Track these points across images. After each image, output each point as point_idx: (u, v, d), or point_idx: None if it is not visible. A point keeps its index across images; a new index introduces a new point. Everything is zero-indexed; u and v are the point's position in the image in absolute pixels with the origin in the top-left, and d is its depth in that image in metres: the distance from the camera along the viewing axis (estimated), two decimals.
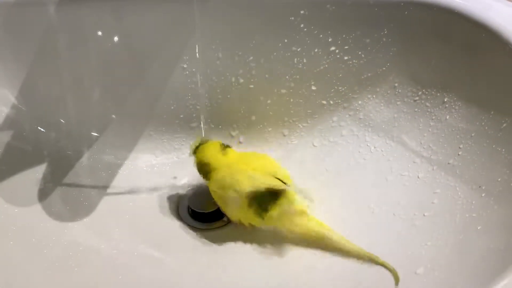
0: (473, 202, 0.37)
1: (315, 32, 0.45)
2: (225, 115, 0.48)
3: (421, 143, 0.44)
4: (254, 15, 0.45)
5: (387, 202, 0.42)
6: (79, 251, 0.41)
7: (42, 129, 0.47)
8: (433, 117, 0.44)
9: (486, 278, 0.29)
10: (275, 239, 0.41)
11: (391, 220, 0.41)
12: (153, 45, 0.46)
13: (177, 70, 0.47)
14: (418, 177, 0.42)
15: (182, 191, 0.47)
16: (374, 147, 0.46)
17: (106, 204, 0.45)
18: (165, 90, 0.48)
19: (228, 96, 0.48)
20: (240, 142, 0.49)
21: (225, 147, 0.43)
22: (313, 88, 0.48)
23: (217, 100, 0.48)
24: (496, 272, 0.28)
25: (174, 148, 0.49)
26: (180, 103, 0.48)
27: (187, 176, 0.48)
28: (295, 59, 0.47)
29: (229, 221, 0.44)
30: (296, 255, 0.40)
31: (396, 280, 0.35)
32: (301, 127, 0.49)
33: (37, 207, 0.43)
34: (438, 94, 0.44)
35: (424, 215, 0.39)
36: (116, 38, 0.46)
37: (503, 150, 0.37)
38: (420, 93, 0.45)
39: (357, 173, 0.46)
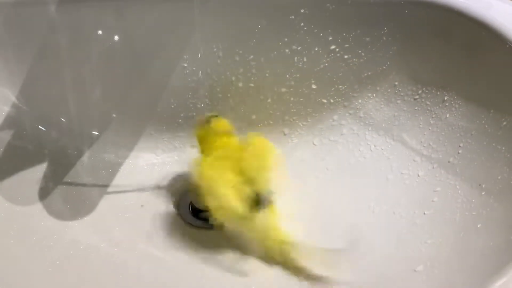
0: (473, 200, 0.37)
1: (315, 31, 0.45)
2: (226, 114, 0.48)
3: (421, 141, 0.44)
4: (254, 14, 0.45)
5: (387, 201, 0.42)
6: (80, 249, 0.41)
7: (43, 128, 0.47)
8: (433, 116, 0.44)
9: (486, 276, 0.29)
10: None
11: (391, 218, 0.41)
12: (154, 44, 0.46)
13: (178, 69, 0.47)
14: (418, 175, 0.42)
15: (183, 190, 0.47)
16: (374, 146, 0.46)
17: (106, 202, 0.45)
18: (165, 89, 0.48)
19: (229, 95, 0.48)
20: None
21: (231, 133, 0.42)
22: (313, 86, 0.48)
23: (217, 99, 0.48)
24: (495, 269, 0.29)
25: (174, 147, 0.49)
26: (180, 102, 0.48)
27: (187, 175, 0.48)
28: (295, 58, 0.47)
29: None
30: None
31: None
32: (301, 126, 0.49)
33: (38, 206, 0.43)
34: (438, 93, 0.44)
35: (424, 213, 0.39)
36: (116, 37, 0.46)
37: (503, 148, 0.37)
38: (420, 91, 0.45)
39: (358, 171, 0.46)
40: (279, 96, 0.48)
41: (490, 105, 0.40)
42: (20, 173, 0.44)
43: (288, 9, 0.45)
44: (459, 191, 0.38)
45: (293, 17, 0.45)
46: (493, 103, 0.40)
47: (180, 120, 0.49)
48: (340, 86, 0.48)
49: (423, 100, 0.45)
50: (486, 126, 0.39)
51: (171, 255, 0.41)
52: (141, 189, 0.47)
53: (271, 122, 0.49)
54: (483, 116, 0.40)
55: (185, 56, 0.47)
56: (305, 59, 0.47)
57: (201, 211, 0.44)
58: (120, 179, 0.47)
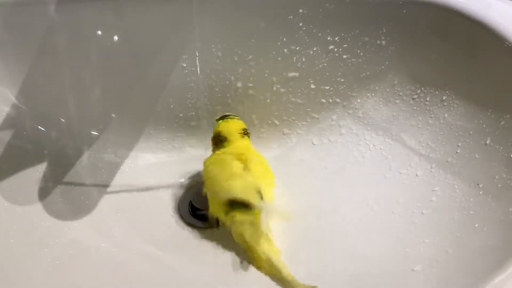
0: (471, 199, 0.37)
1: (314, 31, 0.45)
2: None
3: (419, 141, 0.44)
4: (253, 14, 0.45)
5: (386, 200, 0.42)
6: (79, 249, 0.41)
7: (42, 128, 0.47)
8: (432, 115, 0.44)
9: (483, 275, 0.29)
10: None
11: (389, 217, 0.41)
12: (153, 44, 0.47)
13: (177, 69, 0.47)
14: (416, 175, 0.42)
15: (182, 190, 0.47)
16: (373, 146, 0.46)
17: (106, 202, 0.45)
18: (165, 89, 0.48)
19: (228, 95, 0.48)
20: None
21: (245, 133, 0.44)
22: (312, 86, 0.48)
23: (216, 99, 0.48)
24: (492, 268, 0.29)
25: (174, 146, 0.50)
26: (179, 102, 0.48)
27: (187, 175, 0.48)
28: (294, 58, 0.47)
29: None
30: (297, 256, 0.40)
31: None
32: (300, 125, 0.49)
33: (38, 206, 0.43)
34: (437, 93, 0.44)
35: (422, 212, 0.39)
36: (116, 37, 0.46)
37: (501, 148, 0.37)
38: (419, 91, 0.45)
39: (356, 171, 0.46)
40: (278, 96, 0.48)
41: (488, 104, 0.40)
42: (20, 173, 0.44)
43: (287, 9, 0.45)
44: (457, 191, 0.38)
45: (291, 17, 0.45)
46: (491, 102, 0.40)
47: (179, 120, 0.49)
48: (339, 86, 0.48)
49: (421, 100, 0.45)
50: (484, 125, 0.39)
51: (171, 254, 0.41)
52: (140, 189, 0.47)
53: (270, 122, 0.49)
54: (481, 115, 0.40)
55: (184, 56, 0.47)
56: (304, 59, 0.47)
57: (200, 210, 0.44)
58: (120, 179, 0.47)
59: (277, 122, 0.49)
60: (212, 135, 0.44)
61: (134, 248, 0.42)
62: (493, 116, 0.39)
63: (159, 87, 0.48)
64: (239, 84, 0.48)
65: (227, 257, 0.41)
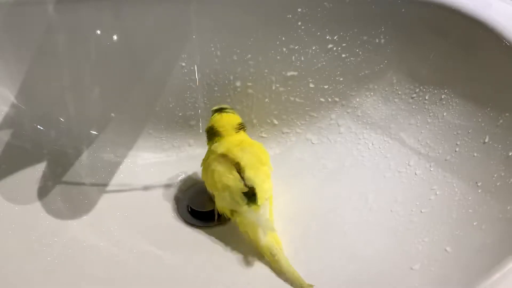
0: (470, 198, 0.37)
1: (313, 30, 0.45)
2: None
3: (418, 140, 0.44)
4: (252, 13, 0.45)
5: (385, 199, 0.42)
6: (79, 248, 0.41)
7: (41, 128, 0.47)
8: (431, 114, 0.44)
9: (481, 273, 0.29)
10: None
11: (388, 216, 0.41)
12: (152, 43, 0.47)
13: (176, 68, 0.47)
14: (415, 173, 0.42)
15: (181, 189, 0.47)
16: (372, 144, 0.46)
17: (105, 201, 0.45)
18: (164, 89, 0.48)
19: (227, 94, 0.48)
20: None
21: (241, 127, 0.44)
22: (311, 85, 0.48)
23: (215, 98, 0.48)
24: (490, 266, 0.29)
25: (173, 146, 0.50)
26: (178, 101, 0.49)
27: (186, 174, 0.48)
28: (293, 57, 0.47)
29: (227, 219, 0.44)
30: (295, 254, 0.40)
31: None
32: (299, 124, 0.49)
33: (37, 205, 0.43)
34: (436, 91, 0.44)
35: (421, 211, 0.39)
36: (115, 37, 0.46)
37: (500, 146, 0.37)
38: (417, 90, 0.45)
39: (355, 170, 0.46)
40: (277, 95, 0.48)
41: (486, 103, 0.40)
42: (19, 172, 0.44)
43: (285, 8, 0.45)
44: (456, 189, 0.38)
45: (290, 16, 0.45)
46: (489, 101, 0.40)
47: (178, 119, 0.49)
48: (338, 85, 0.48)
49: (420, 98, 0.45)
50: (483, 124, 0.39)
51: (170, 253, 0.41)
52: (139, 188, 0.47)
53: (269, 121, 0.49)
54: (479, 114, 0.40)
55: (183, 56, 0.47)
56: (302, 58, 0.47)
57: (199, 210, 0.44)
58: (119, 178, 0.47)
59: (276, 121, 0.49)
60: (206, 128, 0.44)
61: (133, 247, 0.42)
62: (491, 114, 0.39)
63: (158, 87, 0.48)
64: (238, 83, 0.48)
65: (226, 256, 0.41)
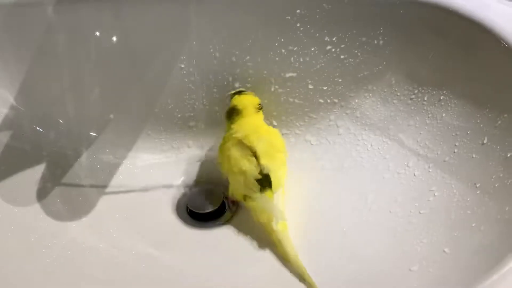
0: (468, 199, 0.37)
1: (312, 31, 0.45)
2: (223, 114, 0.48)
3: (417, 141, 0.44)
4: (250, 14, 0.45)
5: (384, 200, 0.42)
6: (78, 250, 0.41)
7: (41, 129, 0.47)
8: (429, 115, 0.44)
9: (480, 274, 0.29)
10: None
11: (387, 217, 0.41)
12: (151, 45, 0.47)
13: (175, 69, 0.47)
14: (414, 174, 0.42)
15: (180, 191, 0.47)
16: (371, 145, 0.46)
17: (105, 203, 0.45)
18: (163, 90, 0.48)
19: (226, 95, 0.48)
20: None
21: (260, 107, 0.46)
22: (310, 87, 0.48)
23: (214, 99, 0.48)
24: (488, 267, 0.29)
25: (172, 147, 0.50)
26: (178, 103, 0.49)
27: (185, 176, 0.48)
28: (292, 58, 0.47)
29: (226, 221, 0.44)
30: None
31: None
32: (298, 125, 0.49)
33: (36, 207, 0.43)
34: (434, 92, 0.44)
35: (420, 212, 0.39)
36: (114, 38, 0.46)
37: (498, 147, 0.37)
38: (416, 91, 0.45)
39: (354, 171, 0.46)
40: (276, 97, 0.48)
41: (485, 104, 0.40)
42: (18, 174, 0.44)
43: (284, 10, 0.45)
44: (455, 190, 0.38)
45: (289, 17, 0.45)
46: (488, 102, 0.40)
47: (177, 121, 0.49)
48: (336, 86, 0.48)
49: (419, 100, 0.45)
50: (482, 125, 0.40)
51: (169, 255, 0.41)
52: (138, 189, 0.47)
53: (268, 122, 0.49)
54: (478, 115, 0.40)
55: (182, 57, 0.47)
56: (301, 60, 0.47)
57: (198, 211, 0.45)
58: (118, 180, 0.47)
59: (275, 123, 0.49)
60: (226, 109, 0.45)
61: (133, 248, 0.42)
62: (490, 115, 0.39)
63: (157, 88, 0.48)
64: (237, 85, 0.48)
65: (226, 257, 0.41)
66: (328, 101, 0.48)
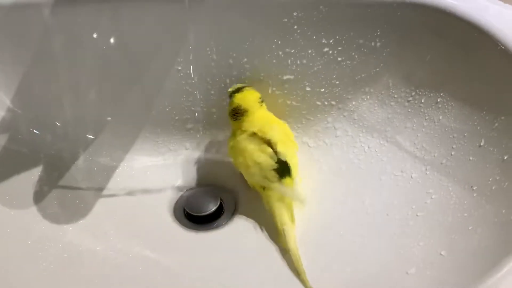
0: (465, 202, 0.37)
1: (309, 33, 0.45)
2: (220, 117, 0.48)
3: (414, 143, 0.44)
4: (247, 17, 0.45)
5: (381, 202, 0.42)
6: (75, 252, 0.41)
7: (37, 132, 0.47)
8: (427, 117, 0.44)
9: (476, 276, 0.29)
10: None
11: (384, 220, 0.41)
12: (148, 47, 0.47)
13: (172, 72, 0.47)
14: (411, 177, 0.42)
15: (177, 193, 0.47)
16: (368, 148, 0.46)
17: (102, 206, 0.45)
18: (160, 92, 0.48)
19: (223, 97, 0.48)
20: None
21: (262, 100, 0.45)
22: (308, 89, 0.48)
23: (212, 101, 0.48)
24: (485, 270, 0.29)
25: (169, 149, 0.50)
26: (175, 105, 0.49)
27: (182, 178, 0.48)
28: (289, 61, 0.47)
29: (223, 223, 0.44)
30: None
31: None
32: (296, 128, 0.49)
33: (33, 209, 0.43)
34: (432, 95, 0.44)
35: (417, 215, 0.39)
36: (111, 41, 0.46)
37: (495, 150, 0.37)
38: (413, 93, 0.45)
39: (351, 173, 0.46)
40: (274, 99, 0.48)
41: (482, 106, 0.40)
42: (15, 176, 0.44)
43: (281, 12, 0.45)
44: (452, 193, 0.38)
45: (286, 20, 0.45)
46: (485, 104, 0.40)
47: (175, 123, 0.49)
48: (334, 89, 0.48)
49: (416, 102, 0.45)
50: (479, 127, 0.40)
51: (167, 258, 0.41)
52: (136, 192, 0.47)
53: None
54: (475, 117, 0.40)
55: (179, 59, 0.47)
56: (298, 62, 0.47)
57: (196, 214, 0.44)
58: (116, 182, 0.47)
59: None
60: (229, 110, 0.45)
61: (130, 251, 0.42)
62: (487, 118, 0.39)
63: (155, 90, 0.48)
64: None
65: (223, 260, 0.41)
66: (326, 103, 0.48)
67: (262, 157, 0.42)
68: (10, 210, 0.42)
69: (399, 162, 0.44)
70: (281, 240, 0.41)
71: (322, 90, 0.48)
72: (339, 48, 0.46)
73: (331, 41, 0.46)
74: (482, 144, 0.39)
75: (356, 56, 0.46)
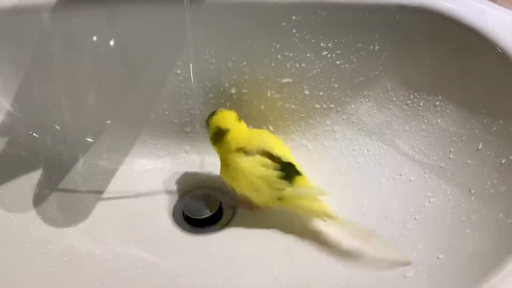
0: (463, 205, 0.37)
1: (307, 37, 0.46)
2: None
3: (413, 146, 0.44)
4: (246, 21, 0.45)
5: (379, 205, 0.42)
6: (74, 256, 0.41)
7: (37, 135, 0.47)
8: (425, 121, 0.44)
9: (473, 280, 0.29)
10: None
11: (383, 223, 0.41)
12: (147, 51, 0.47)
13: (171, 75, 0.47)
14: (410, 180, 0.42)
15: (176, 196, 0.47)
16: (367, 151, 0.46)
17: (101, 209, 0.45)
18: (159, 96, 0.48)
19: (222, 101, 0.48)
20: None
21: (239, 119, 0.44)
22: (306, 92, 0.48)
23: (210, 105, 0.49)
24: (482, 274, 0.29)
25: (168, 152, 0.50)
26: (174, 108, 0.49)
27: (182, 181, 0.48)
28: (288, 64, 0.47)
29: (223, 226, 0.44)
30: (291, 260, 0.40)
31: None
32: (295, 131, 0.49)
33: (33, 213, 0.43)
34: (430, 98, 0.44)
35: (415, 218, 0.39)
36: (110, 44, 0.46)
37: (493, 153, 0.38)
38: (412, 96, 0.45)
39: (350, 176, 0.46)
40: (272, 102, 0.48)
41: (480, 110, 0.40)
42: (14, 180, 0.44)
43: (280, 16, 0.45)
44: (450, 196, 0.38)
45: (285, 23, 0.45)
46: (483, 108, 0.40)
47: (174, 126, 0.49)
48: (333, 92, 0.48)
49: (414, 105, 0.45)
50: (477, 131, 0.40)
51: (166, 261, 0.41)
52: (135, 195, 0.47)
53: (265, 128, 0.49)
54: (473, 121, 0.40)
55: (178, 63, 0.47)
56: (297, 65, 0.47)
57: (195, 217, 0.45)
58: (115, 185, 0.47)
59: (271, 128, 0.49)
60: (210, 136, 0.44)
61: (129, 254, 0.42)
62: (485, 121, 0.39)
63: (154, 94, 0.48)
64: (233, 91, 0.48)
65: (223, 263, 0.41)
66: (324, 106, 0.48)
67: (264, 170, 0.41)
68: (10, 213, 0.42)
69: (397, 165, 0.44)
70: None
71: (321, 93, 0.48)
72: (338, 51, 0.46)
73: (329, 45, 0.46)
74: (480, 147, 0.39)
75: (354, 59, 0.46)
